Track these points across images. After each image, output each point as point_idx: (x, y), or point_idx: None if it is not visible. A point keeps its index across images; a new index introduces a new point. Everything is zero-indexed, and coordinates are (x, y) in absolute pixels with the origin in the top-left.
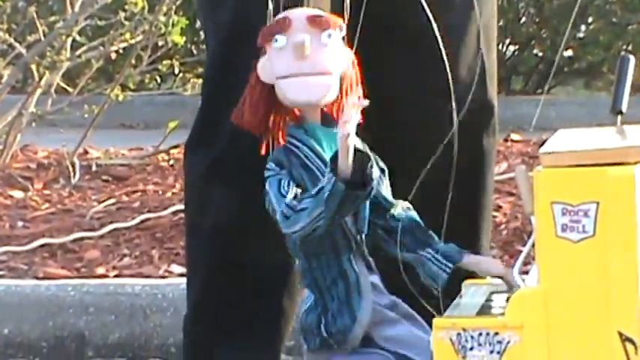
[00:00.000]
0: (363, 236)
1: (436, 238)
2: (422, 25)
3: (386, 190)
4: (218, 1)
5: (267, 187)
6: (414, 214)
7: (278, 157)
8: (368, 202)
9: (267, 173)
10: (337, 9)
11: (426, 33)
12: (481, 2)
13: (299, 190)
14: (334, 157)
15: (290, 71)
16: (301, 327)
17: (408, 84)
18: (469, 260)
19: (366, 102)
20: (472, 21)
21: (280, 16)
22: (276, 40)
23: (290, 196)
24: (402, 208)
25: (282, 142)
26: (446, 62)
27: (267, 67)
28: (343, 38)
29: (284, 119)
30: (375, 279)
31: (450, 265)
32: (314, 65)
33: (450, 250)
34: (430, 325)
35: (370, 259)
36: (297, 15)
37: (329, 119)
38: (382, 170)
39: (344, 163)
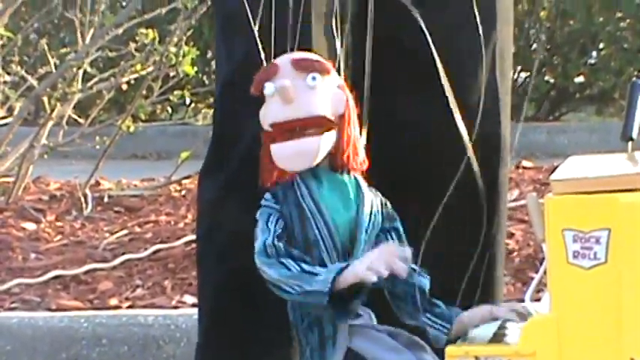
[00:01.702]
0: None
1: (437, 302)
2: (432, 51)
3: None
4: (232, 30)
5: (257, 215)
6: (423, 279)
7: (276, 189)
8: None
9: (262, 202)
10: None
11: (440, 59)
12: (496, 28)
13: (283, 232)
14: (340, 271)
15: (278, 117)
16: None
17: (420, 112)
18: (461, 318)
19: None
20: (486, 47)
21: (270, 63)
22: (265, 88)
23: (275, 233)
24: (412, 271)
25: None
26: (445, 87)
27: (262, 116)
28: (347, 80)
29: None
30: (364, 321)
31: (449, 326)
32: (299, 109)
33: (447, 312)
34: (435, 350)
35: (357, 308)
36: (283, 60)
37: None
38: (396, 229)
39: (342, 284)
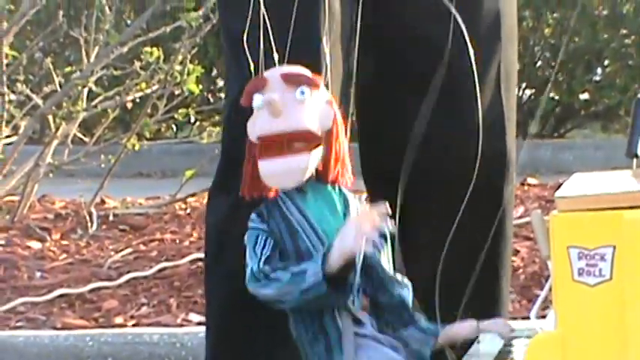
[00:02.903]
0: (354, 291)
1: (420, 317)
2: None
3: (385, 258)
4: (240, 51)
5: (245, 239)
6: (404, 291)
7: (261, 208)
8: (359, 270)
9: (249, 224)
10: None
11: (445, 77)
12: (500, 46)
13: (271, 253)
14: (328, 250)
15: (266, 130)
16: None
17: (428, 127)
18: (447, 330)
19: (389, 226)
20: (491, 65)
21: (258, 76)
22: (254, 100)
23: (263, 259)
24: (396, 283)
25: (272, 195)
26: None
27: (250, 127)
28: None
29: None
30: (365, 329)
31: (431, 341)
32: (288, 122)
33: (428, 327)
34: (417, 354)
35: (357, 313)
36: (273, 73)
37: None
38: (384, 237)
39: (333, 265)
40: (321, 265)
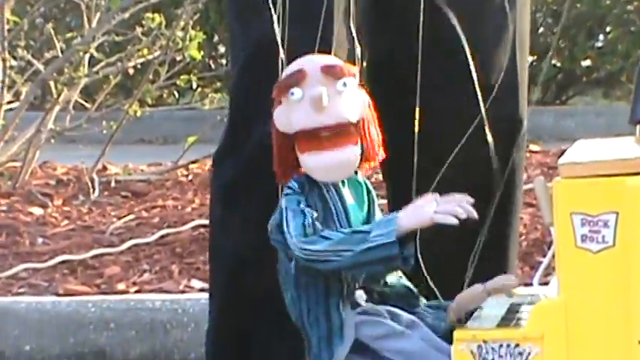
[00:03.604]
0: (356, 285)
1: (422, 299)
2: (454, 38)
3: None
4: (251, 16)
5: (283, 202)
6: (404, 280)
7: (301, 179)
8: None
9: (286, 191)
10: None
11: (458, 47)
12: (516, 11)
13: (317, 216)
14: (396, 217)
15: (308, 124)
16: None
17: (442, 95)
18: (456, 300)
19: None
20: (508, 30)
21: (295, 68)
22: (293, 94)
23: (310, 215)
24: (394, 275)
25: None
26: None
27: (283, 119)
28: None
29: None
30: (364, 307)
31: (443, 315)
32: (331, 116)
33: (436, 303)
34: (432, 328)
35: (358, 299)
36: (312, 66)
37: None
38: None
39: (409, 226)
40: (394, 229)
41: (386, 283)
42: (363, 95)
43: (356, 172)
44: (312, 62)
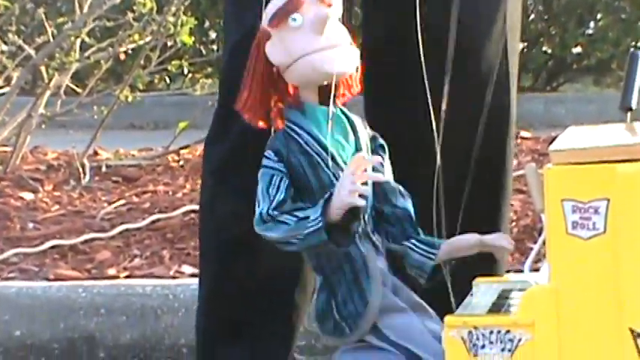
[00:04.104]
0: (367, 217)
1: (420, 232)
2: (445, 25)
3: (386, 170)
4: (244, 5)
5: (259, 176)
6: (407, 203)
7: (276, 144)
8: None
9: (264, 161)
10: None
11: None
12: (507, 2)
13: (284, 197)
14: (327, 199)
15: (313, 47)
16: (315, 311)
17: (433, 81)
18: (448, 242)
19: (382, 177)
20: (498, 19)
21: None
22: (295, 20)
23: (275, 201)
24: (399, 194)
25: (280, 126)
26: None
27: (279, 51)
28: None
29: (282, 102)
30: (381, 261)
31: (434, 251)
32: (331, 38)
33: (431, 239)
34: (436, 311)
35: (376, 239)
36: None
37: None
38: (382, 147)
39: (335, 214)
40: (321, 215)
41: (391, 203)
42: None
43: (328, 105)
44: None
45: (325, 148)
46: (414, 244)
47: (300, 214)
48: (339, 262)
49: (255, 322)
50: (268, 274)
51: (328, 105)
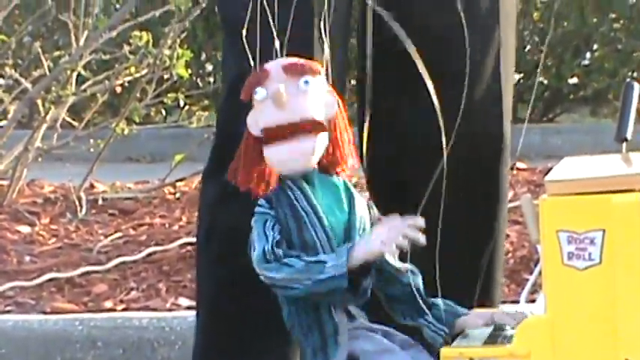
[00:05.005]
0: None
1: (436, 301)
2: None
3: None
4: (238, 36)
5: (252, 222)
6: (418, 280)
7: (269, 195)
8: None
9: (256, 209)
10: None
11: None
12: (499, 29)
13: (280, 238)
14: (348, 252)
15: (272, 122)
16: None
17: (420, 113)
18: (459, 322)
19: (420, 225)
20: (490, 48)
21: (259, 69)
22: (256, 92)
23: (274, 241)
24: (406, 272)
25: (261, 192)
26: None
27: (252, 121)
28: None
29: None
30: (358, 323)
31: (445, 329)
32: (294, 112)
33: (444, 315)
34: (429, 350)
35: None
36: (274, 65)
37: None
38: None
39: (357, 261)
40: (346, 260)
41: (401, 282)
42: (332, 97)
43: (331, 175)
44: (275, 62)
45: (314, 208)
46: (428, 321)
47: (309, 258)
48: (309, 325)
49: (253, 353)
50: (265, 308)
51: (326, 173)
